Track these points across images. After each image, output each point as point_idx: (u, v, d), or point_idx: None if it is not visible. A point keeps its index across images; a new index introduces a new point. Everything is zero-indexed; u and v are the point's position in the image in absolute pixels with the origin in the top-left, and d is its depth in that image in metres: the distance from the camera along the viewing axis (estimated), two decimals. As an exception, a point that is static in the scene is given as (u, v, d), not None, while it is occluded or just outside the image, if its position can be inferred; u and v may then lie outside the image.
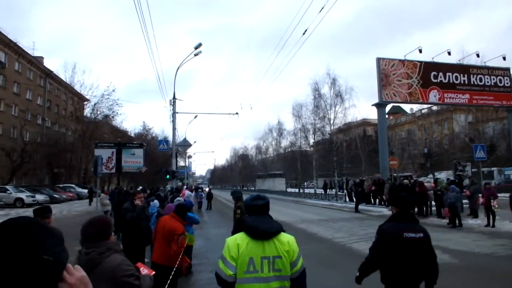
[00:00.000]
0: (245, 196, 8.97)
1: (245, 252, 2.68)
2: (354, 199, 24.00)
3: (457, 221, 14.72)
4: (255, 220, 2.81)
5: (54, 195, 32.37)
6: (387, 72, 25.68)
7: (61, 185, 39.10)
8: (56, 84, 49.48)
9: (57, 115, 50.12)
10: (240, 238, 2.76)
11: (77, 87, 48.04)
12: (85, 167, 47.58)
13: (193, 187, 45.56)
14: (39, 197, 29.44)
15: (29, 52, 43.39)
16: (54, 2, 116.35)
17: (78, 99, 50.46)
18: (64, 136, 47.59)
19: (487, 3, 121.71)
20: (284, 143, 57.16)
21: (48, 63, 61.73)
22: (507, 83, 28.51)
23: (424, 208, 18.35)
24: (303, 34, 16.67)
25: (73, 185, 40.32)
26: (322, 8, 14.20)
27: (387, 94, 25.57)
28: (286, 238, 2.80)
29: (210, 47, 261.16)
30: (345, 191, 32.36)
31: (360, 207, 22.74)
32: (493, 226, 13.95)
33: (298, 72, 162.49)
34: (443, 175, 32.65)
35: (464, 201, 17.38)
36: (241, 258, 2.67)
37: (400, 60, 26.26)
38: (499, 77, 28.28)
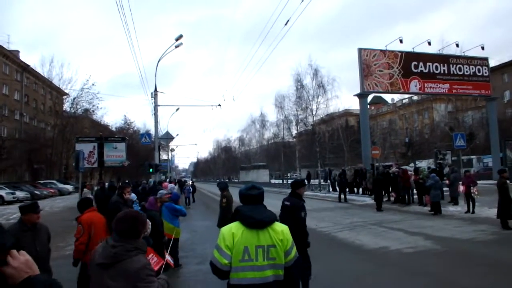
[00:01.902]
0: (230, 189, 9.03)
1: (240, 241, 2.69)
2: (338, 189, 24.16)
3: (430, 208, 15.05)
4: (250, 210, 2.81)
5: (35, 192, 31.75)
6: (368, 62, 25.86)
7: (41, 181, 38.36)
8: (33, 78, 48.26)
9: (35, 110, 49.04)
10: (235, 227, 2.77)
11: (55, 81, 46.92)
12: (66, 163, 46.75)
13: (176, 181, 45.32)
14: (20, 194, 28.85)
15: (4, 46, 42.24)
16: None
17: (56, 93, 49.27)
18: (43, 131, 46.59)
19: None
20: (267, 134, 57.26)
21: (30, 58, 60.40)
22: (486, 73, 29.02)
23: (406, 197, 18.64)
24: (285, 24, 16.64)
25: (54, 181, 39.60)
26: (304, -2, 14.15)
27: (368, 84, 25.77)
28: (280, 227, 2.83)
29: (196, 39, 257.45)
30: (328, 181, 32.62)
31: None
32: (473, 212, 14.27)
33: (283, 65, 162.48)
34: (424, 164, 33.23)
35: (445, 188, 17.74)
36: (236, 247, 2.68)
37: (381, 51, 26.45)
38: (477, 67, 28.75)
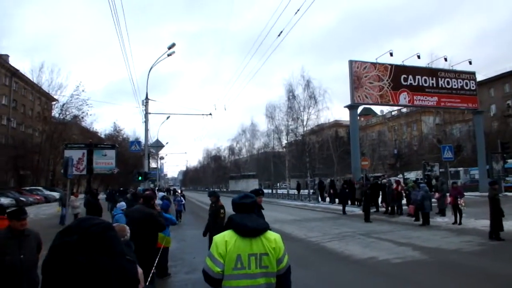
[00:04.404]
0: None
1: (233, 249, 2.70)
2: (338, 200, 23.03)
3: (421, 219, 15.19)
4: (243, 218, 2.84)
5: (21, 198, 31.13)
6: (359, 74, 26.14)
7: (27, 188, 37.75)
8: (22, 83, 47.83)
9: (23, 115, 48.47)
10: (228, 235, 2.78)
11: (44, 87, 46.48)
12: (53, 169, 46.17)
13: (165, 189, 44.96)
14: (4, 200, 28.26)
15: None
16: (34, 3, 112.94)
17: (46, 99, 48.84)
18: (31, 137, 46.03)
19: (460, 14, 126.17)
20: (258, 144, 57.45)
21: (27, 64, 59.79)
22: (473, 87, 29.56)
23: (396, 208, 18.77)
24: (278, 35, 16.80)
25: (40, 188, 39.01)
26: (298, 10, 14.35)
27: (359, 96, 26.03)
28: (272, 235, 2.85)
29: (194, 49, 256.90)
30: (317, 191, 32.70)
31: (334, 206, 22.82)
32: (460, 223, 14.42)
33: (278, 77, 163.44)
34: (412, 175, 33.59)
35: (432, 200, 17.92)
36: (228, 255, 2.69)
37: (371, 63, 26.77)
38: (465, 81, 29.26)
